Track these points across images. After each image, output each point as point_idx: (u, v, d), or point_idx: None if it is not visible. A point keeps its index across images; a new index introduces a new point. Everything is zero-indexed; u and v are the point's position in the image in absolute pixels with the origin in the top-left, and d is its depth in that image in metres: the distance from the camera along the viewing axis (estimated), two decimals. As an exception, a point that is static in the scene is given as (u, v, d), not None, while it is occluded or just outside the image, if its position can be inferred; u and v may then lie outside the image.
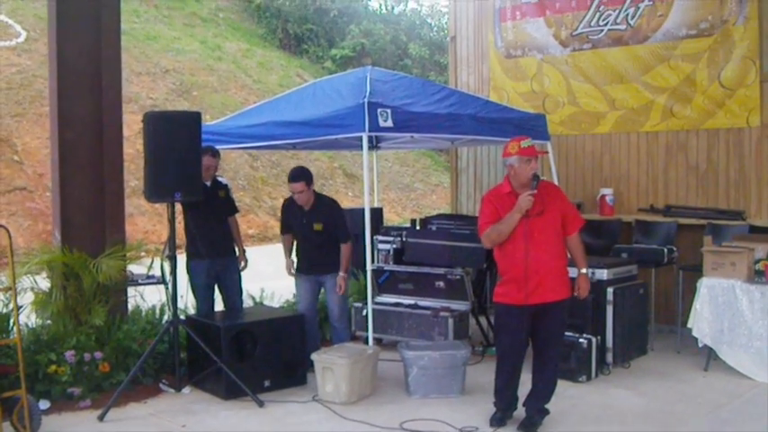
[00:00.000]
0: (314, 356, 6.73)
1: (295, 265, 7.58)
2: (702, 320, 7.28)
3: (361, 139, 7.25)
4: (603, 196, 9.46)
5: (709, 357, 7.38)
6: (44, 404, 6.23)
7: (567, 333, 6.50)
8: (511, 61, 10.55)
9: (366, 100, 7.23)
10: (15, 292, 5.85)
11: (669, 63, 9.10)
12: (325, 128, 7.50)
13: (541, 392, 5.91)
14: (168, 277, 7.00)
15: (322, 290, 7.58)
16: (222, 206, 7.69)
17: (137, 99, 19.31)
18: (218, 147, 7.81)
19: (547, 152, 8.70)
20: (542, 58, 10.22)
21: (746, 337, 7.07)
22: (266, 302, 8.80)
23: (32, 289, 6.98)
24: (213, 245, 7.46)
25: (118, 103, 7.56)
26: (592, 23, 9.73)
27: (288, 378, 6.97)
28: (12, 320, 6.36)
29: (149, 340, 6.97)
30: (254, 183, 19.82)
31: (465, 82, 11.10)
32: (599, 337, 7.22)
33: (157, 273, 7.44)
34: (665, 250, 8.23)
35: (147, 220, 16.36)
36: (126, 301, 7.57)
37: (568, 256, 5.87)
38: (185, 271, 7.46)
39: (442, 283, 8.22)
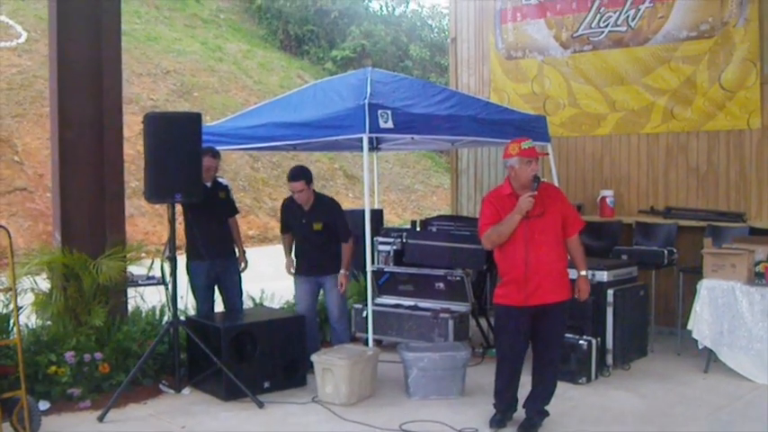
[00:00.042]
0: (314, 358, 6.73)
1: (294, 265, 7.58)
2: (702, 322, 7.28)
3: (361, 140, 7.25)
4: (604, 198, 9.46)
5: (709, 359, 7.37)
6: (44, 405, 6.22)
7: (567, 335, 6.50)
8: (511, 63, 10.55)
9: (366, 101, 7.23)
10: (15, 292, 5.85)
11: (670, 65, 9.10)
12: (326, 129, 7.50)
13: (541, 394, 5.91)
14: (168, 278, 7.00)
15: (321, 291, 7.58)
16: (222, 207, 7.69)
17: (137, 100, 19.33)
18: (218, 148, 7.81)
19: (547, 154, 8.71)
20: (543, 60, 10.22)
21: (746, 339, 7.07)
22: (266, 303, 8.81)
23: (32, 290, 6.97)
24: (213, 246, 7.46)
25: (118, 104, 7.55)
26: (592, 25, 9.73)
27: (288, 379, 6.97)
28: (12, 321, 6.36)
29: (149, 341, 6.97)
30: (255, 184, 19.83)
31: (465, 83, 11.11)
32: (599, 339, 7.22)
33: (157, 274, 7.43)
34: (666, 252, 8.22)
35: (148, 221, 16.37)
36: (126, 302, 7.57)
37: (568, 257, 5.87)
38: (185, 272, 7.46)
39: (442, 285, 8.22)
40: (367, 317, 7.60)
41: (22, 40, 19.61)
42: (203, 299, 7.56)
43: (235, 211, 7.93)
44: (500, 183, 6.05)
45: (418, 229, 10.14)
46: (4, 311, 6.69)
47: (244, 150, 11.98)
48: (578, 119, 9.93)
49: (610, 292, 7.35)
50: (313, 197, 7.36)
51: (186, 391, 6.89)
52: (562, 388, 6.26)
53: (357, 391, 6.57)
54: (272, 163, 20.57)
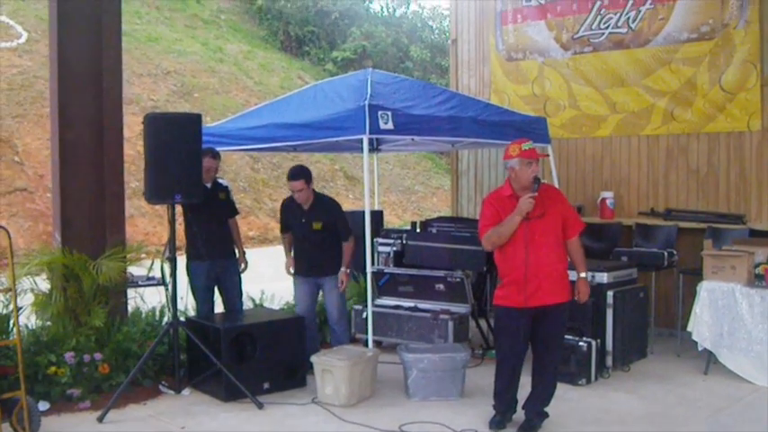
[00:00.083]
0: (313, 359, 6.73)
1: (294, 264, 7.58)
2: (702, 324, 7.28)
3: (361, 141, 7.25)
4: (604, 199, 9.46)
5: (708, 361, 7.37)
6: (43, 405, 6.23)
7: (566, 336, 6.50)
8: (512, 64, 10.56)
9: (367, 102, 7.23)
10: (15, 293, 5.84)
11: (670, 66, 9.11)
12: (326, 130, 7.50)
13: (541, 395, 5.91)
14: (168, 279, 7.00)
15: (320, 292, 7.58)
16: (222, 208, 7.69)
17: (138, 100, 19.33)
18: (218, 148, 7.82)
19: (548, 155, 8.71)
20: (543, 62, 10.23)
21: (746, 340, 7.07)
22: (266, 304, 8.81)
23: (32, 290, 6.97)
24: (213, 247, 7.46)
25: (119, 105, 7.56)
26: (593, 27, 9.74)
27: (287, 380, 6.97)
28: (11, 321, 6.36)
29: (149, 342, 6.97)
30: (255, 184, 19.83)
31: (466, 85, 11.11)
32: (599, 341, 7.22)
33: (157, 274, 7.44)
34: (666, 254, 8.23)
35: (148, 222, 16.36)
36: (126, 303, 7.57)
37: (569, 259, 5.87)
38: (185, 273, 7.46)
39: (442, 286, 8.22)
40: (367, 318, 7.60)
41: (22, 40, 19.61)
42: (203, 300, 7.56)
43: (235, 211, 7.93)
44: (500, 184, 6.05)
45: (418, 230, 10.14)
46: (4, 312, 6.69)
47: (244, 151, 12.00)
48: (578, 120, 9.93)
49: (610, 293, 7.35)
50: (313, 196, 7.36)
51: (186, 391, 6.89)
52: (562, 389, 6.26)
53: (357, 393, 6.57)
54: (273, 164, 20.57)
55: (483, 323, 8.35)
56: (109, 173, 7.36)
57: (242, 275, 7.82)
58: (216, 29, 27.55)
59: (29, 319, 6.99)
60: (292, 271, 7.59)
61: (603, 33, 9.66)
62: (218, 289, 7.68)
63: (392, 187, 23.28)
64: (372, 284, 7.63)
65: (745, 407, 6.51)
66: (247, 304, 8.31)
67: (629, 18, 9.42)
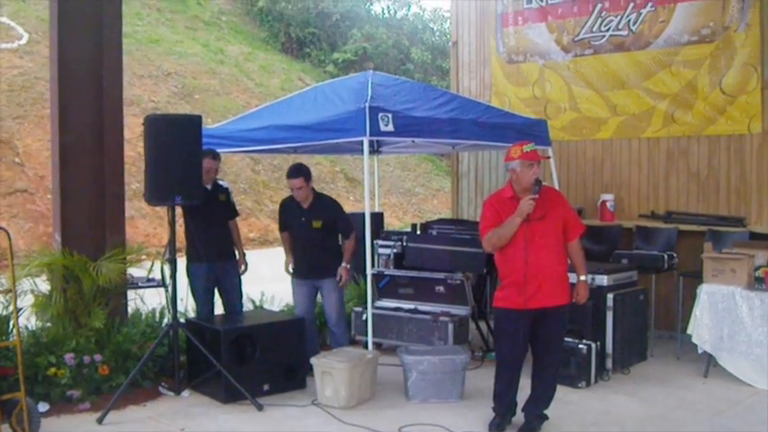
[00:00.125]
0: (313, 360, 6.73)
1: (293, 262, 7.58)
2: (702, 327, 7.28)
3: (362, 143, 7.26)
4: (604, 202, 9.46)
5: (708, 364, 7.37)
6: (43, 407, 6.22)
7: (566, 338, 6.49)
8: (512, 66, 10.56)
9: (367, 104, 7.24)
10: (15, 294, 5.84)
11: (670, 69, 9.11)
12: (327, 132, 7.51)
13: (540, 398, 5.90)
14: (168, 280, 7.00)
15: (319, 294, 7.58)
16: (223, 210, 7.68)
17: (138, 102, 19.34)
18: (219, 150, 7.82)
19: (549, 157, 8.71)
20: (544, 64, 10.23)
21: (746, 343, 7.07)
22: (266, 306, 8.81)
23: (32, 291, 6.97)
24: (213, 248, 7.46)
25: (119, 106, 7.56)
26: (594, 29, 9.74)
27: (287, 382, 6.97)
28: (11, 323, 6.35)
29: (149, 343, 6.97)
30: (256, 186, 19.84)
31: (467, 87, 11.11)
32: (599, 343, 7.21)
33: (157, 276, 7.45)
34: (666, 256, 8.23)
35: (148, 223, 16.38)
36: (126, 304, 7.57)
37: (569, 261, 5.87)
38: (185, 274, 7.46)
39: (442, 288, 8.22)
40: (367, 320, 7.60)
41: (23, 41, 19.62)
42: (203, 301, 7.56)
43: (235, 213, 7.93)
44: (500, 187, 6.05)
45: (418, 232, 10.14)
46: (4, 313, 6.68)
47: (245, 153, 11.99)
48: (579, 123, 9.93)
49: (610, 296, 7.34)
50: (312, 195, 7.36)
51: (186, 393, 6.89)
52: (561, 392, 6.26)
53: (356, 395, 6.57)
54: (273, 165, 20.58)
55: (483, 325, 8.34)
56: (109, 174, 7.36)
57: (242, 277, 7.81)
58: (217, 30, 27.57)
59: (29, 321, 6.99)
60: (291, 269, 7.58)
61: (604, 36, 9.66)
62: (218, 291, 7.68)
63: (392, 189, 23.30)
64: (372, 286, 7.64)
65: (744, 410, 6.51)
66: (247, 306, 8.31)
67: (629, 20, 9.42)
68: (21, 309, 6.40)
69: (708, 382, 7.25)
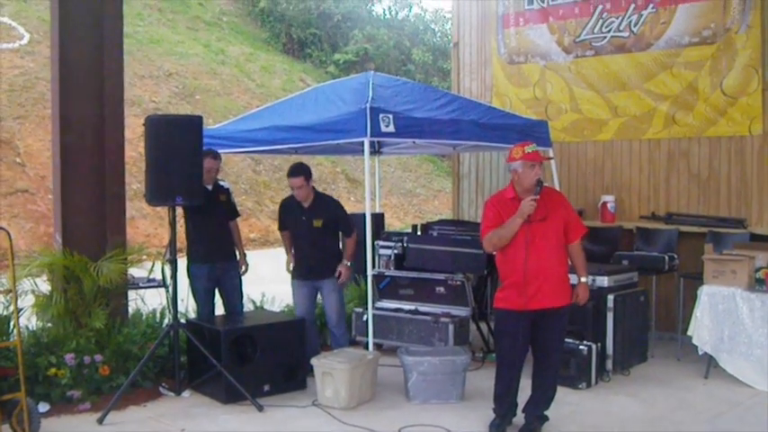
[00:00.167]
0: (313, 361, 6.73)
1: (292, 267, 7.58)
2: (703, 328, 7.27)
3: (363, 144, 7.26)
4: (605, 203, 9.45)
5: (709, 365, 7.36)
6: (43, 407, 6.23)
7: (567, 340, 6.49)
8: (514, 67, 10.56)
9: (368, 105, 7.24)
10: (16, 294, 5.85)
11: (671, 70, 9.11)
12: (328, 133, 7.51)
13: (541, 399, 5.90)
14: (169, 281, 7.00)
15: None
16: (223, 210, 7.68)
17: (139, 102, 19.36)
18: (220, 150, 7.81)
19: (551, 158, 8.71)
20: (545, 65, 10.23)
21: (747, 345, 7.06)
22: (267, 307, 8.81)
23: (33, 292, 6.97)
24: (214, 249, 7.46)
25: (120, 107, 7.56)
26: (595, 30, 9.74)
27: (288, 382, 6.97)
28: (12, 323, 6.36)
29: (149, 344, 6.97)
30: (257, 187, 19.86)
31: (468, 88, 11.11)
32: (599, 344, 7.21)
33: (158, 276, 7.46)
34: (666, 258, 8.23)
35: (149, 224, 16.39)
36: (126, 305, 7.58)
37: (570, 263, 5.87)
38: (186, 274, 7.45)
39: (442, 289, 8.22)
40: (367, 321, 7.61)
41: (24, 41, 19.64)
42: (204, 302, 7.56)
43: (235, 213, 7.93)
44: (501, 188, 6.05)
45: (419, 233, 10.14)
46: (5, 313, 6.69)
47: (245, 153, 12.01)
48: (580, 124, 9.93)
49: (610, 297, 7.34)
50: (313, 194, 7.36)
51: (186, 393, 6.89)
52: (562, 393, 6.26)
53: (357, 395, 6.57)
54: (274, 166, 20.60)
55: (483, 326, 8.34)
56: (110, 174, 7.36)
57: (242, 277, 7.81)
58: (218, 31, 27.59)
59: (29, 321, 6.99)
60: (291, 268, 7.58)
61: (605, 37, 9.65)
62: (219, 291, 7.68)
63: (393, 190, 23.31)
64: (373, 287, 7.64)
65: (745, 411, 6.51)
66: (248, 306, 8.31)
67: (630, 22, 9.42)
68: (21, 309, 6.40)
69: (708, 383, 7.24)
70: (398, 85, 8.66)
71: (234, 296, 7.70)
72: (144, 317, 7.72)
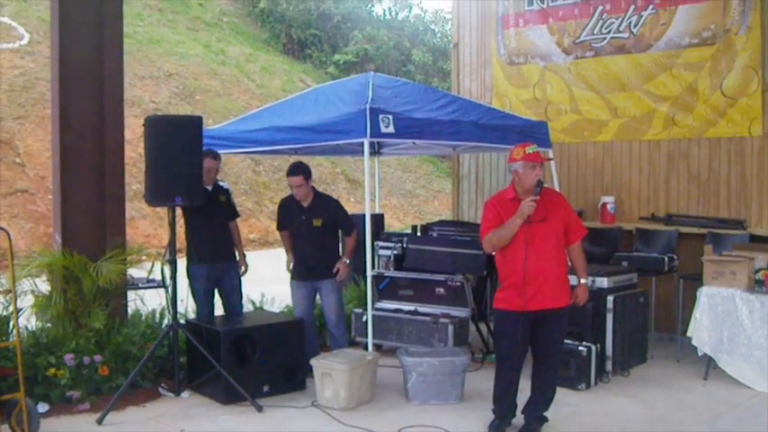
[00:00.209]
0: (313, 362, 6.72)
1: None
2: (702, 329, 7.27)
3: (362, 144, 7.26)
4: (605, 204, 9.46)
5: (708, 366, 7.36)
6: (43, 407, 6.22)
7: (566, 341, 6.49)
8: (513, 68, 10.56)
9: (368, 106, 7.24)
10: (15, 294, 5.85)
11: (671, 72, 9.11)
12: (328, 133, 7.51)
13: (540, 400, 5.90)
14: (168, 281, 7.01)
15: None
16: (223, 211, 7.67)
17: (139, 103, 19.37)
18: (220, 151, 7.81)
19: (552, 159, 8.71)
20: (545, 66, 10.23)
21: (746, 346, 7.06)
22: (266, 307, 8.81)
23: (32, 292, 6.97)
24: (213, 249, 7.46)
25: (120, 107, 7.56)
26: (595, 31, 9.74)
27: (287, 383, 6.96)
28: (11, 323, 6.35)
29: (149, 344, 6.97)
30: (256, 187, 19.86)
31: (467, 89, 11.11)
32: (599, 345, 7.21)
33: (158, 277, 7.46)
34: (666, 259, 8.23)
35: (149, 224, 16.39)
36: (126, 305, 7.58)
37: (569, 264, 5.87)
38: (185, 275, 7.45)
39: (442, 290, 8.22)
40: (367, 321, 7.60)
41: (24, 41, 19.65)
42: (203, 302, 7.56)
43: (235, 214, 7.93)
44: (501, 189, 6.05)
45: (419, 233, 10.14)
46: (4, 313, 6.69)
47: (245, 154, 12.01)
48: (580, 125, 9.93)
49: (610, 298, 7.34)
50: (312, 194, 7.36)
51: (185, 394, 6.89)
52: (561, 394, 6.25)
53: (356, 396, 6.57)
54: (274, 167, 20.60)
55: (483, 327, 8.34)
56: (109, 175, 7.36)
57: (242, 278, 7.81)
58: (218, 31, 27.60)
59: (29, 321, 7.00)
60: (292, 267, 7.58)
61: (605, 38, 9.66)
62: (219, 292, 7.67)
63: (393, 190, 23.31)
64: (372, 288, 7.64)
65: (744, 412, 6.50)
66: (247, 307, 8.31)
67: (630, 23, 9.42)
68: (21, 309, 6.41)
69: (708, 384, 7.24)
70: (398, 86, 8.67)
71: (233, 297, 7.70)
72: (143, 317, 7.71)
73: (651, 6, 9.23)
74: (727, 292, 7.15)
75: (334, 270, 7.30)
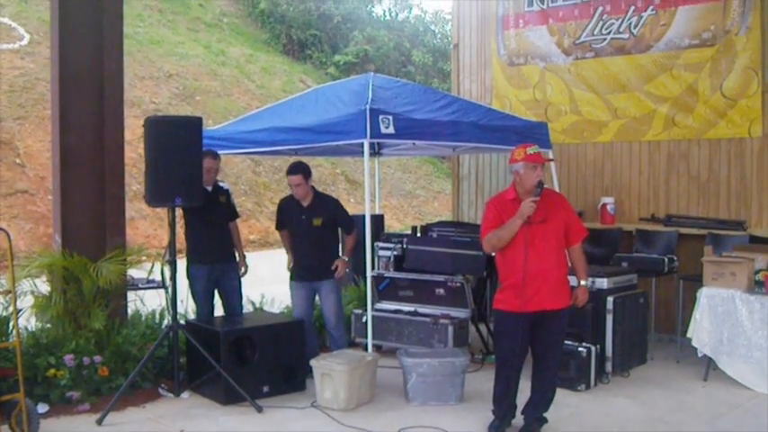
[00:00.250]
0: (313, 363, 6.72)
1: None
2: (702, 330, 7.27)
3: (362, 145, 7.26)
4: (604, 205, 9.46)
5: (708, 367, 7.36)
6: (42, 408, 6.22)
7: (566, 341, 6.49)
8: (513, 69, 10.56)
9: (368, 106, 7.24)
10: (15, 295, 5.85)
11: (671, 72, 9.11)
12: (328, 134, 7.51)
13: (540, 401, 5.90)
14: (168, 282, 7.01)
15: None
16: (223, 211, 7.67)
17: (140, 103, 19.36)
18: (220, 152, 7.80)
19: (553, 159, 8.71)
20: (545, 67, 10.23)
21: (746, 347, 7.06)
22: (266, 308, 8.81)
23: (32, 292, 6.96)
24: (213, 250, 7.46)
25: (120, 107, 7.56)
26: (595, 32, 9.74)
27: (287, 384, 6.96)
28: (11, 324, 6.35)
29: (149, 345, 6.97)
30: (256, 188, 19.86)
31: (467, 89, 11.11)
32: (598, 346, 7.21)
33: (158, 277, 7.45)
34: (666, 260, 8.23)
35: (149, 225, 16.39)
36: (126, 306, 7.58)
37: (570, 265, 5.87)
38: (185, 276, 7.45)
39: (442, 291, 8.22)
40: (367, 322, 7.60)
41: (24, 42, 19.65)
42: (203, 303, 7.55)
43: (235, 215, 7.92)
44: (501, 189, 6.05)
45: (419, 234, 10.14)
46: (4, 314, 6.69)
47: (245, 155, 12.02)
48: (580, 126, 9.93)
49: (609, 299, 7.34)
50: (312, 193, 7.36)
51: (185, 394, 6.89)
52: (561, 395, 6.25)
53: (356, 397, 6.57)
54: (274, 167, 20.59)
55: (483, 328, 8.34)
56: (110, 175, 7.36)
57: (242, 279, 7.80)
58: (218, 32, 27.60)
59: (28, 322, 7.00)
60: (291, 267, 7.57)
61: (605, 39, 9.66)
62: (218, 292, 7.67)
63: (393, 191, 23.31)
64: (372, 288, 7.64)
65: (744, 413, 6.50)
66: (247, 308, 8.31)
67: (630, 24, 9.42)
68: (20, 310, 6.41)
69: (707, 385, 7.24)
70: (398, 87, 8.67)
71: (233, 297, 7.70)
72: (143, 318, 7.72)
73: (651, 7, 9.24)
74: (727, 293, 7.16)
75: (333, 266, 7.30)
